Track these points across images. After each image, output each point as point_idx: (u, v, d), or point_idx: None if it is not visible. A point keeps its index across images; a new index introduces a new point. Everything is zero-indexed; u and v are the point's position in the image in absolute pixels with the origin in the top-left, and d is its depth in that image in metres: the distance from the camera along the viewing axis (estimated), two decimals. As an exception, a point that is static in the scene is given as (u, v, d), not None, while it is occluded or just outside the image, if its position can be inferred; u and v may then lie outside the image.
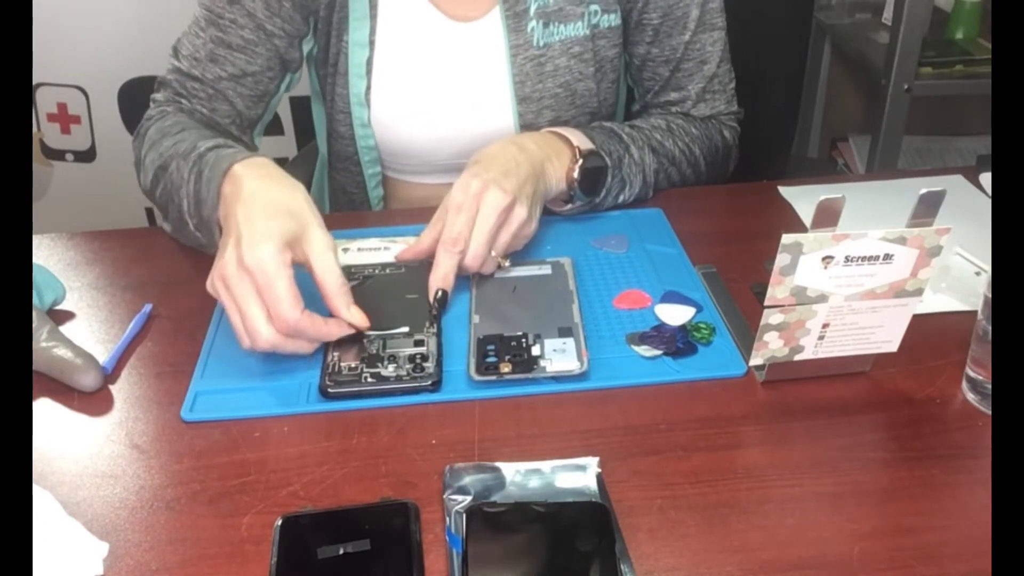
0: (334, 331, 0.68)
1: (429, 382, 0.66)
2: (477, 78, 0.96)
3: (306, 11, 0.94)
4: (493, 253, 0.76)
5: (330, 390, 0.66)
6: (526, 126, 0.96)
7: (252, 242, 0.66)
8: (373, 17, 0.93)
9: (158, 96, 0.96)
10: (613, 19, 0.96)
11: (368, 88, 0.95)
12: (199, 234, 0.80)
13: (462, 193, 0.75)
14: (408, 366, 0.68)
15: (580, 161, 0.85)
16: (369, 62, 0.94)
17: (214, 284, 0.68)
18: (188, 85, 0.93)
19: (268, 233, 0.66)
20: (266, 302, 0.65)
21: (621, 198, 0.91)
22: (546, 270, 0.80)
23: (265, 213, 0.68)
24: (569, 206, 0.88)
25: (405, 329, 0.72)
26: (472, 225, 0.75)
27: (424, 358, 0.69)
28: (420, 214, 0.93)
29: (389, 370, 0.68)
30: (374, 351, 0.70)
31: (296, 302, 0.65)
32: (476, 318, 0.74)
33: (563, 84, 0.96)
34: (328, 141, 1.04)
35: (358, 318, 0.69)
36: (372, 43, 0.94)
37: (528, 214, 0.78)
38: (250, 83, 0.94)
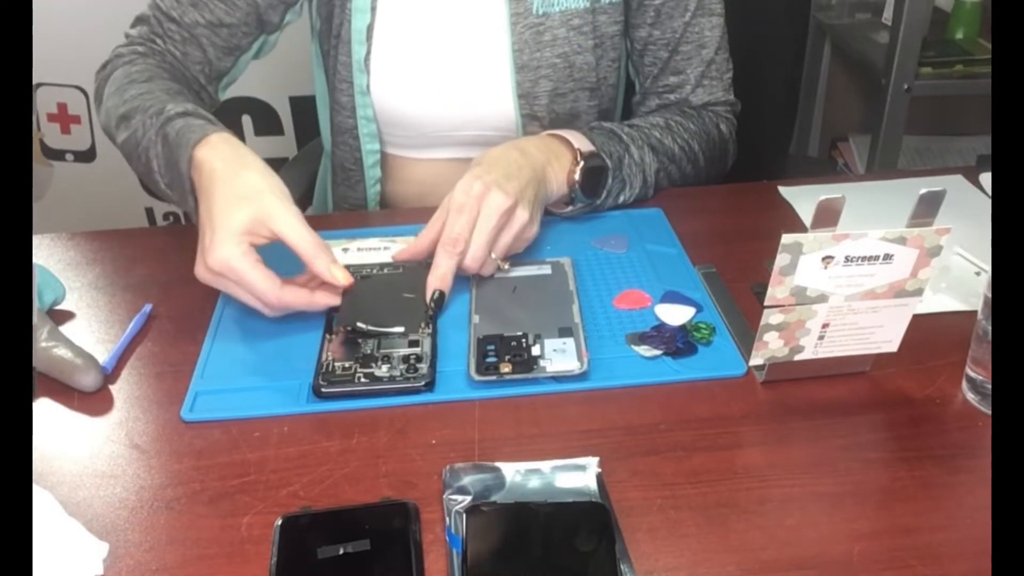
0: (320, 300, 0.71)
1: (422, 383, 0.66)
2: (477, 45, 0.96)
3: None
4: (493, 255, 0.76)
5: (323, 390, 0.66)
6: (523, 95, 0.96)
7: (212, 244, 0.68)
8: None
9: (132, 32, 0.98)
10: None
11: (368, 54, 0.96)
12: (170, 192, 0.82)
13: (464, 194, 0.75)
14: (402, 366, 0.68)
15: (581, 163, 0.85)
16: (370, 28, 0.95)
17: (201, 280, 0.71)
18: (165, 25, 0.95)
19: (227, 230, 0.69)
20: (247, 292, 0.69)
21: (622, 198, 0.91)
22: (546, 270, 0.80)
23: (223, 205, 0.70)
24: (570, 208, 0.88)
25: (400, 329, 0.72)
26: (473, 226, 0.75)
27: (418, 359, 0.69)
28: (420, 214, 0.93)
29: (383, 370, 0.68)
30: (368, 351, 0.70)
31: (272, 283, 0.69)
32: (476, 318, 0.74)
33: (561, 55, 0.96)
34: (330, 115, 1.05)
35: (340, 276, 0.70)
36: (374, 8, 0.95)
37: (529, 217, 0.78)
38: (225, 34, 0.96)
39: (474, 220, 0.75)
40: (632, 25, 1.00)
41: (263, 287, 0.68)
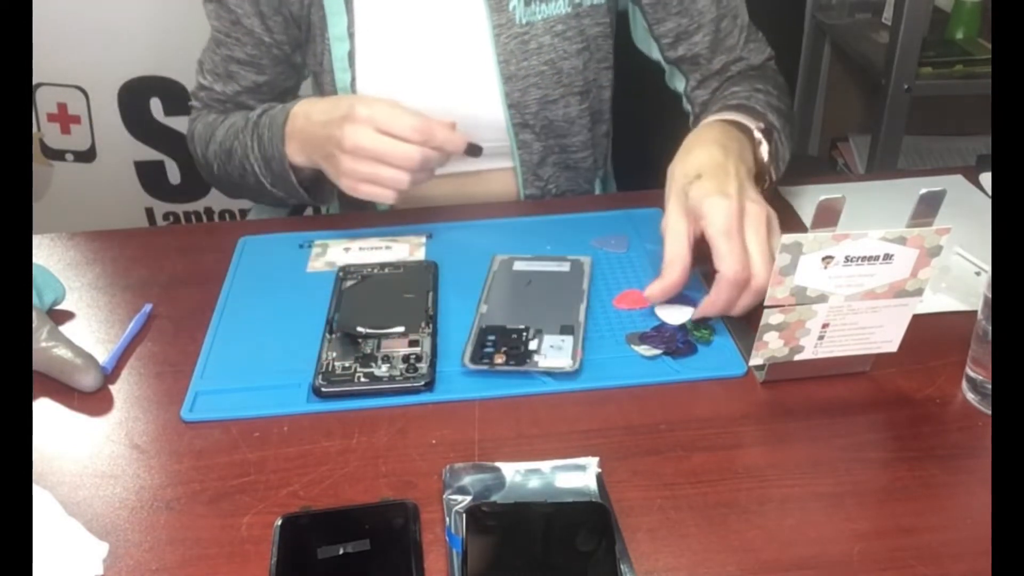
0: (456, 138, 0.81)
1: (422, 383, 0.66)
2: (461, 58, 0.95)
3: (298, 21, 0.95)
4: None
5: (323, 389, 0.66)
6: (513, 105, 0.96)
7: (354, 104, 0.79)
8: (350, 11, 0.93)
9: (194, 103, 1.03)
10: None
11: (353, 80, 0.95)
12: (275, 190, 0.91)
13: (725, 217, 0.68)
14: (401, 366, 0.68)
15: (762, 143, 0.81)
16: (351, 55, 0.94)
17: (343, 166, 0.80)
18: (213, 97, 1.00)
19: (341, 116, 0.79)
20: (393, 127, 0.78)
21: (783, 166, 0.88)
22: (564, 267, 0.80)
23: (323, 113, 0.82)
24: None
25: (400, 329, 0.72)
26: (745, 249, 0.68)
27: (418, 358, 0.69)
28: (420, 214, 0.93)
29: (382, 370, 0.68)
30: (368, 351, 0.70)
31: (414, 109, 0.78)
32: (484, 307, 0.74)
33: (548, 62, 0.95)
34: None
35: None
36: (352, 35, 0.94)
37: (771, 208, 0.72)
38: (266, 89, 1.00)
39: (744, 240, 0.68)
40: (657, 22, 0.96)
41: (413, 113, 0.78)
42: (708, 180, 0.71)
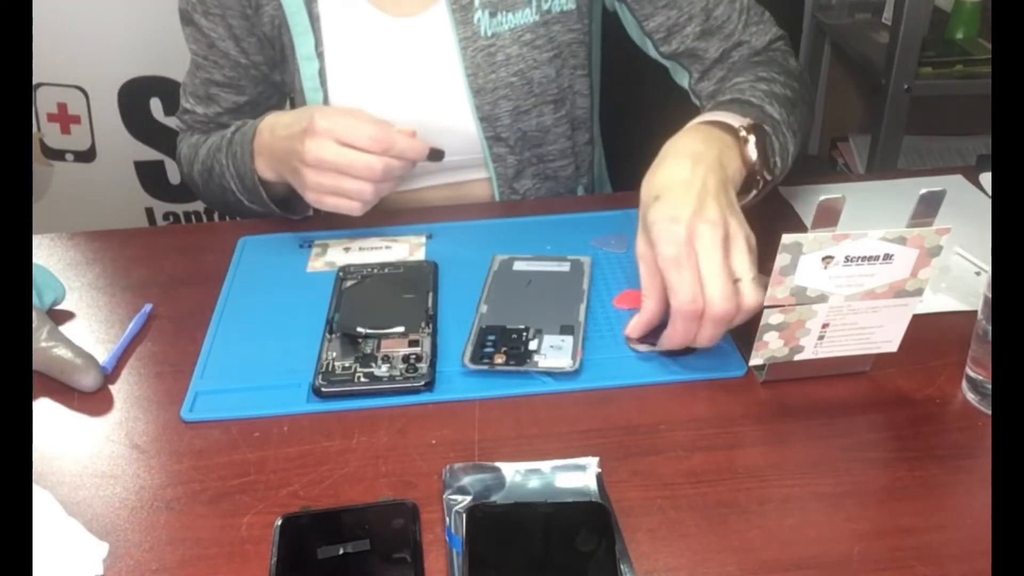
0: (417, 145, 0.81)
1: (422, 383, 0.66)
2: (429, 73, 0.94)
3: (271, 41, 0.95)
4: (741, 281, 0.65)
5: (323, 389, 0.66)
6: (484, 118, 0.94)
7: (313, 116, 0.78)
8: (316, 30, 0.93)
9: (180, 125, 1.03)
10: (566, 3, 0.93)
11: (326, 99, 0.95)
12: (255, 206, 0.90)
13: (672, 245, 0.64)
14: (402, 366, 0.68)
15: (748, 137, 0.74)
16: (321, 73, 0.94)
17: (307, 180, 0.80)
18: (197, 120, 1.00)
19: (314, 109, 0.80)
20: (352, 138, 0.78)
21: (790, 160, 0.81)
22: (564, 267, 0.80)
23: (286, 125, 0.82)
24: (754, 192, 0.76)
25: (400, 329, 0.72)
26: (699, 274, 0.64)
27: (418, 359, 0.69)
28: (420, 214, 0.93)
29: (382, 370, 0.68)
30: (368, 351, 0.70)
31: (378, 119, 0.79)
32: (484, 308, 0.74)
33: (517, 72, 0.93)
34: None
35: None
36: (320, 55, 0.93)
37: (738, 222, 0.67)
38: (248, 109, 0.99)
39: (697, 267, 0.64)
40: (646, 17, 0.93)
41: (370, 122, 0.78)
42: (663, 203, 0.66)
